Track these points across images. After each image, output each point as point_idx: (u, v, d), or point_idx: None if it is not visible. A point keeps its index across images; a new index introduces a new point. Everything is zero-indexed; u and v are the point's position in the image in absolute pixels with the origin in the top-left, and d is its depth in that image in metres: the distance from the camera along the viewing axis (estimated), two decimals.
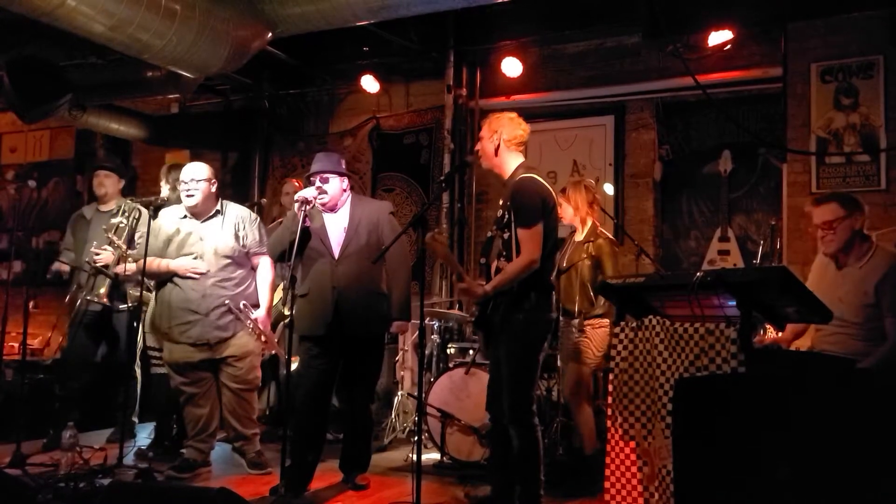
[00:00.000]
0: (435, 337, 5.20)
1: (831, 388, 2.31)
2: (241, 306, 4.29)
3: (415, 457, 3.36)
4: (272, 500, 3.75)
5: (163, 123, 7.50)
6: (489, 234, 3.58)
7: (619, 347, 3.17)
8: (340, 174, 4.12)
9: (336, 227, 4.09)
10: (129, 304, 4.92)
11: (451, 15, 6.36)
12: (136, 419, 5.36)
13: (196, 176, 4.28)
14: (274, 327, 4.77)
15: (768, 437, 2.19)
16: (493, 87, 6.67)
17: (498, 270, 3.40)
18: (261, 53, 5.27)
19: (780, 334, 3.56)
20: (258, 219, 4.58)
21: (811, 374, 2.92)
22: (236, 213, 4.44)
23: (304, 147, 7.46)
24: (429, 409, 4.60)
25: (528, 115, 3.69)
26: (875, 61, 5.11)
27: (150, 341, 4.84)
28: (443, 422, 4.58)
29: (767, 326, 3.62)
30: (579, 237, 4.45)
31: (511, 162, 3.55)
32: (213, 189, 4.37)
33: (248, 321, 4.30)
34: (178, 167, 4.95)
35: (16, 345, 6.05)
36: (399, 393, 5.60)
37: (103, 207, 5.20)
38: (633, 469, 3.09)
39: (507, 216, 3.42)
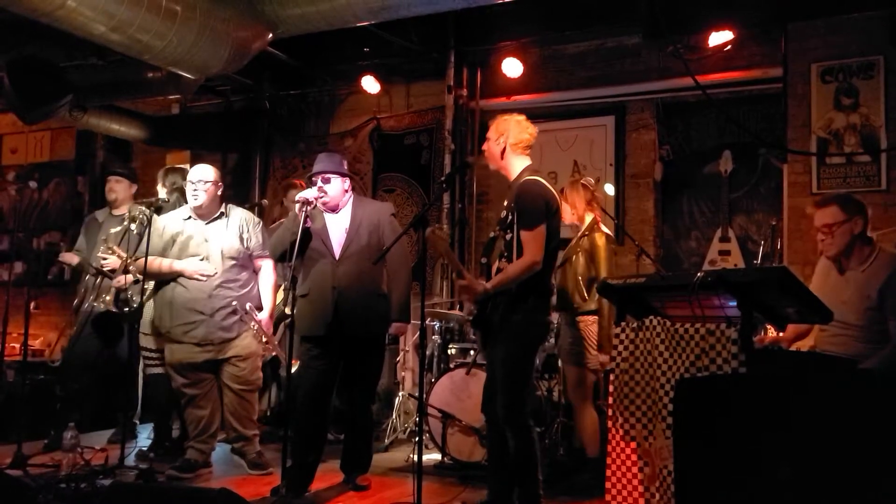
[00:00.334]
0: (436, 337, 5.20)
1: (832, 388, 2.31)
2: (247, 308, 4.32)
3: (416, 457, 3.37)
4: (273, 501, 3.75)
5: (163, 124, 7.50)
6: (492, 234, 3.58)
7: (620, 348, 3.17)
8: (342, 175, 4.13)
9: (337, 228, 4.10)
10: (131, 307, 4.93)
11: (451, 15, 6.36)
12: (137, 420, 5.37)
13: (204, 177, 4.34)
14: (275, 327, 4.77)
15: (769, 438, 2.19)
16: (494, 88, 6.67)
17: (499, 271, 3.41)
18: (261, 54, 5.27)
19: (780, 334, 3.56)
20: (260, 222, 4.62)
21: (812, 374, 2.92)
22: (240, 216, 4.49)
23: (305, 148, 7.47)
24: (430, 410, 4.60)
25: (529, 115, 3.67)
26: (875, 61, 5.12)
27: (144, 342, 4.85)
28: (444, 422, 4.58)
29: (768, 326, 3.61)
30: (578, 234, 4.45)
31: (516, 165, 3.55)
32: (219, 191, 4.42)
33: (253, 323, 4.32)
34: (175, 170, 5.01)
35: (17, 345, 6.06)
36: (400, 393, 5.61)
37: (115, 212, 5.25)
38: (634, 469, 3.09)
39: (510, 217, 3.42)
